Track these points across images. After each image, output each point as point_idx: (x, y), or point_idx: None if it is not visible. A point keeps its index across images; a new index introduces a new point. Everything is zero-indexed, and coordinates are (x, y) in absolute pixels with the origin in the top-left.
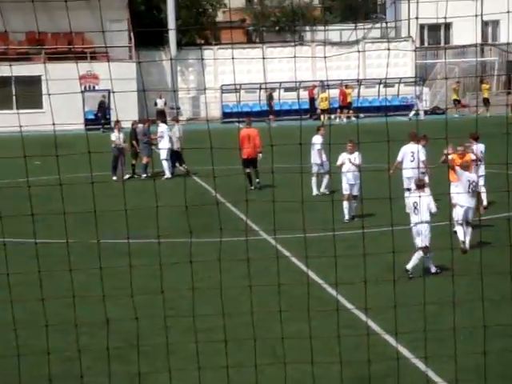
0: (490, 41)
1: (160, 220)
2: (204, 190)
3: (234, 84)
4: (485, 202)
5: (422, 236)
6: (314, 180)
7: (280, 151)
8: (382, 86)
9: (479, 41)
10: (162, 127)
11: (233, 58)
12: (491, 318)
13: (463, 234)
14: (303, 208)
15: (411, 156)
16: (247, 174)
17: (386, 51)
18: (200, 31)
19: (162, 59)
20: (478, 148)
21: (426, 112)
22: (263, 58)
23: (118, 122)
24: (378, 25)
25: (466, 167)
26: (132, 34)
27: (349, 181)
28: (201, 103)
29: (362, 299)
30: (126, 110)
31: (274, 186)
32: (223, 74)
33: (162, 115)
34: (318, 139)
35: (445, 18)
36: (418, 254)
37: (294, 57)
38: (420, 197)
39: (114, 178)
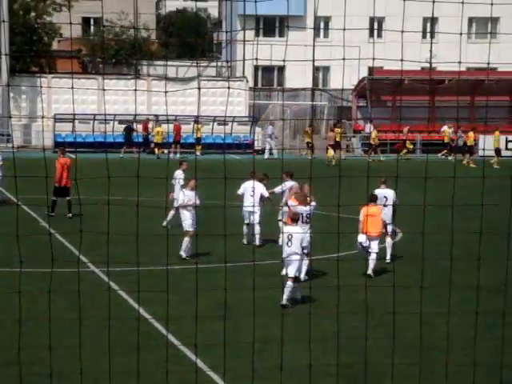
0: (320, 86)
1: None
2: (32, 219)
3: (73, 114)
4: None
5: (292, 266)
6: (171, 213)
7: (114, 183)
8: (215, 123)
9: (310, 85)
10: None
11: (72, 88)
12: (316, 358)
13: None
14: (138, 241)
15: (251, 191)
16: (55, 201)
17: (220, 89)
18: (35, 59)
19: None
20: (293, 185)
21: (257, 151)
22: (104, 90)
23: None
24: (214, 63)
25: (302, 202)
26: None
27: (191, 217)
28: (32, 131)
29: (189, 334)
30: None
31: (105, 218)
32: (57, 102)
33: None
34: (180, 174)
35: (284, 60)
36: (288, 285)
37: (135, 90)
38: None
39: None
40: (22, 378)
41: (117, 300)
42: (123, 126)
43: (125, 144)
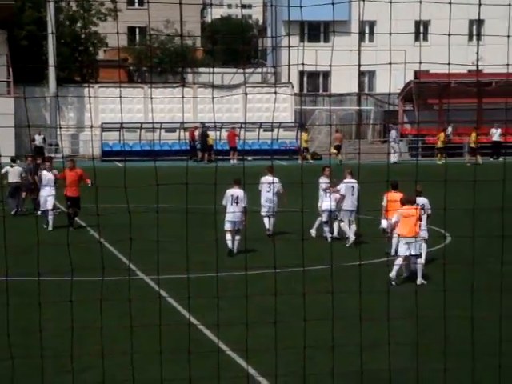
0: (366, 90)
1: (36, 257)
2: (81, 229)
3: (120, 123)
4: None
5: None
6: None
7: (164, 191)
8: (261, 129)
9: (356, 90)
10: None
11: (120, 97)
12: (367, 363)
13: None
14: (187, 249)
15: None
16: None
17: (266, 96)
18: (80, 69)
19: (45, 96)
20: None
21: (304, 157)
22: (151, 98)
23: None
24: (259, 69)
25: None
26: (11, 69)
27: (233, 218)
28: (80, 141)
29: (237, 341)
30: (2, 146)
31: (157, 226)
32: (103, 112)
33: (40, 152)
34: (324, 179)
35: (330, 66)
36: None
37: (183, 97)
38: None
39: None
40: None
41: (166, 307)
42: (169, 134)
43: (202, 150)
